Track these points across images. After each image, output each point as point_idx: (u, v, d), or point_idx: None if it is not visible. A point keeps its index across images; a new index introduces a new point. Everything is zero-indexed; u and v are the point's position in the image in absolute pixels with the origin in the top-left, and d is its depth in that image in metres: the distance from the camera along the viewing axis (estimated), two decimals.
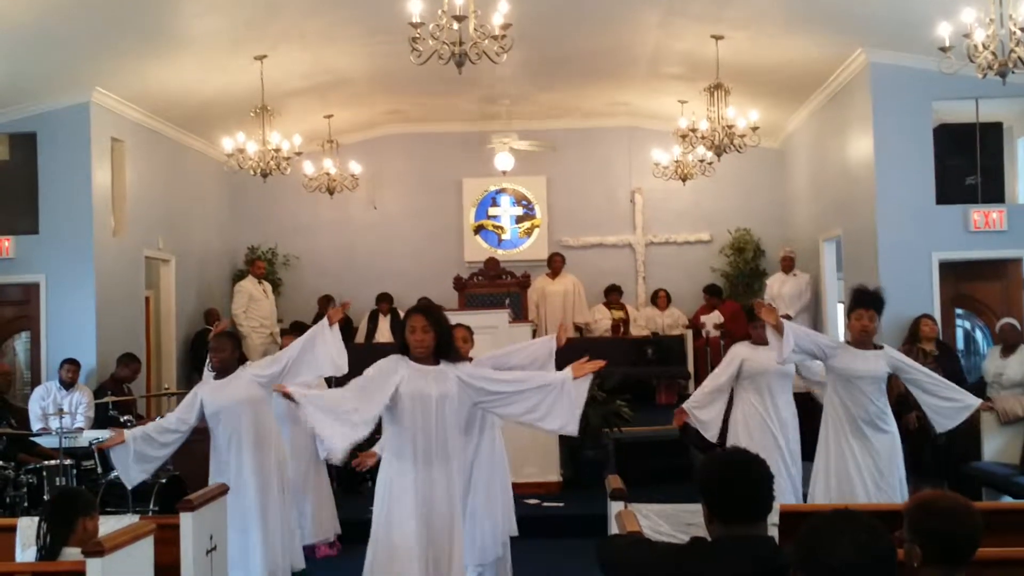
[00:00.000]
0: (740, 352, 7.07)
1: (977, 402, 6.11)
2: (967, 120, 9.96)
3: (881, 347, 6.17)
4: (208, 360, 6.29)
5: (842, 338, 6.21)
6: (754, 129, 9.57)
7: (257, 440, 6.12)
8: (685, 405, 7.04)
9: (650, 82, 11.99)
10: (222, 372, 6.19)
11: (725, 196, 13.89)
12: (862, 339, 6.06)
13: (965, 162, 9.92)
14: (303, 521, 7.15)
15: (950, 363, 8.53)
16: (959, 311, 10.02)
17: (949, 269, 9.59)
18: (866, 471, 6.05)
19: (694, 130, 9.86)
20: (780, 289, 11.73)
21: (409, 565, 4.63)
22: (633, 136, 14.09)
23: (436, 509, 4.74)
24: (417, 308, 4.90)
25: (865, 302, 6.08)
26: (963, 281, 9.83)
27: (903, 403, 8.04)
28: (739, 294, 13.42)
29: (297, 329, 7.95)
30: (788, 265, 12.03)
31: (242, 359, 6.39)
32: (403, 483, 4.73)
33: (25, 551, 4.31)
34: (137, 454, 5.82)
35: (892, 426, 6.18)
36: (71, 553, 4.01)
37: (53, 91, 9.78)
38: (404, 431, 4.76)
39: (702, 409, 6.96)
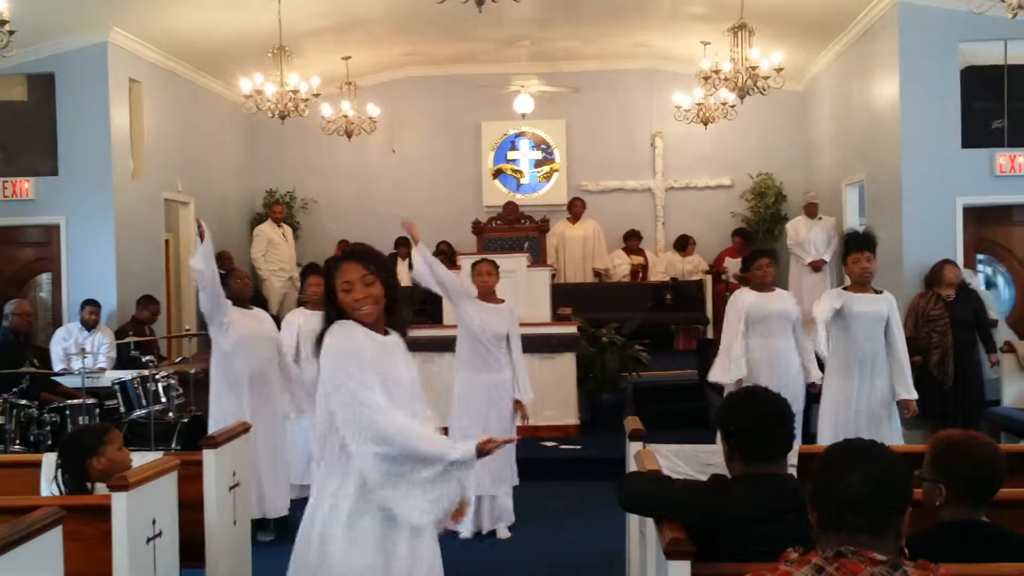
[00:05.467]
0: (745, 299, 6.96)
1: (909, 397, 6.06)
2: (995, 62, 9.76)
3: (882, 292, 6.23)
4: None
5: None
6: (778, 71, 9.40)
7: (261, 379, 6.08)
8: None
9: (672, 23, 11.80)
10: (241, 303, 6.14)
11: (746, 140, 13.73)
12: (863, 280, 6.15)
13: (992, 105, 9.74)
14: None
15: (963, 309, 8.41)
16: (980, 256, 9.92)
17: (970, 213, 9.47)
18: (864, 414, 6.08)
19: (717, 71, 9.69)
20: (806, 234, 11.60)
21: None
22: (654, 79, 13.90)
23: None
24: (347, 254, 3.28)
25: (860, 245, 6.15)
26: (984, 225, 9.71)
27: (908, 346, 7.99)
28: (759, 240, 13.32)
29: (312, 271, 7.93)
30: (813, 211, 11.84)
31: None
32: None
33: (50, 486, 4.35)
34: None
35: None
36: (100, 488, 4.06)
37: (71, 31, 9.72)
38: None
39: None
